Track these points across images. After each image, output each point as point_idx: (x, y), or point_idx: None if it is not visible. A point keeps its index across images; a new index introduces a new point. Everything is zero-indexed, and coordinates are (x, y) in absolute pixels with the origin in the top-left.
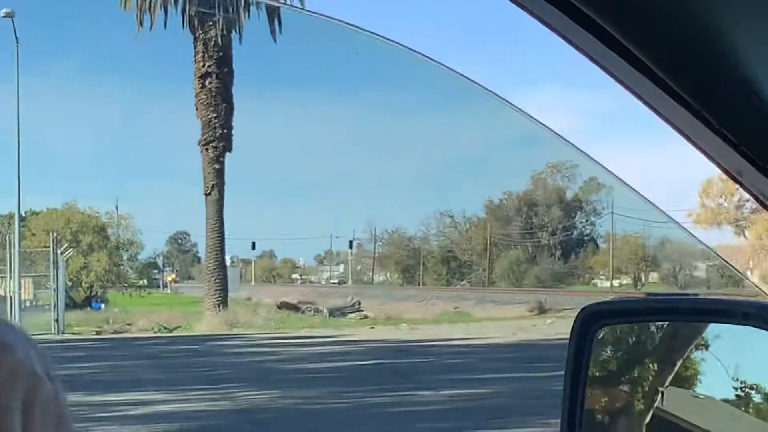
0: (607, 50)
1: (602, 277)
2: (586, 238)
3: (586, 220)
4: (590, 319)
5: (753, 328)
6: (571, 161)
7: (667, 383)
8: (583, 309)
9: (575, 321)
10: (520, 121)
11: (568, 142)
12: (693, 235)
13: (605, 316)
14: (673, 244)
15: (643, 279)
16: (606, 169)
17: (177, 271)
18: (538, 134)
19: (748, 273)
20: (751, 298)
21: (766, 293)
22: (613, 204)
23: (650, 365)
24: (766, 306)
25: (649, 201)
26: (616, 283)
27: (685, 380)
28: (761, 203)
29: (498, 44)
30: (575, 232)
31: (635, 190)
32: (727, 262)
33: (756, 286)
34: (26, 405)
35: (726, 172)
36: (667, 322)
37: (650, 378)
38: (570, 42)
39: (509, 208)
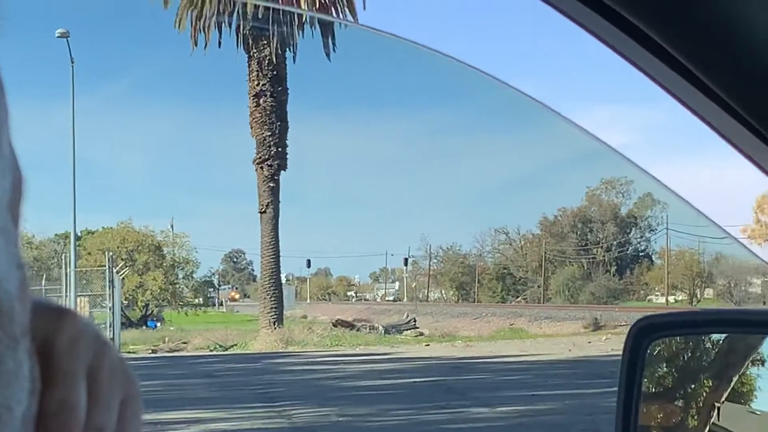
0: (658, 62)
1: (657, 294)
2: (641, 254)
3: (641, 236)
4: (644, 332)
5: None
6: (625, 177)
7: (723, 399)
8: (636, 321)
9: (628, 334)
10: (575, 137)
11: (627, 158)
12: (752, 251)
13: (659, 328)
14: (727, 259)
15: (698, 295)
16: (665, 186)
17: (235, 288)
18: (593, 150)
19: None
20: None
21: None
22: (668, 220)
23: (705, 380)
24: None
25: (707, 217)
26: (671, 299)
27: (742, 396)
28: None
29: (549, 62)
30: (630, 248)
31: (695, 208)
32: None
33: None
34: (91, 371)
35: None
36: (722, 337)
37: (706, 393)
38: (623, 56)
39: (564, 225)
